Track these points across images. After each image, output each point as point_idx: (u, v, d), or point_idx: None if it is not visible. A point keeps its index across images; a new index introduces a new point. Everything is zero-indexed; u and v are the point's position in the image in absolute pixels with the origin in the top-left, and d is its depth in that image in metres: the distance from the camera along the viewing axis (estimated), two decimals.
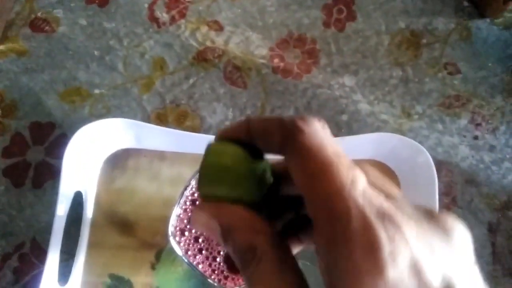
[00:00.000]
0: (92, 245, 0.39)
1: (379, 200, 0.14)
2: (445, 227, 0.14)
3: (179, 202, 0.27)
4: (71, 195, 0.38)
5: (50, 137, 0.43)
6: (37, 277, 0.36)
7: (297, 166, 0.15)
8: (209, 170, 0.17)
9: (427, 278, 0.13)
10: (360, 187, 0.14)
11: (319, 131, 0.15)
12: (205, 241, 0.27)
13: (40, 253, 0.39)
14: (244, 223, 0.16)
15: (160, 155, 0.42)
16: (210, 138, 0.41)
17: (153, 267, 0.39)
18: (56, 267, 0.36)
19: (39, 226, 0.40)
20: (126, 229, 0.39)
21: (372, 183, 0.15)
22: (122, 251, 0.39)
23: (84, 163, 0.39)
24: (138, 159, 0.41)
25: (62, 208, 0.37)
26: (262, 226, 0.16)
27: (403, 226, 0.13)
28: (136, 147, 0.41)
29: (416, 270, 0.13)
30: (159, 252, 0.39)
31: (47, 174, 0.41)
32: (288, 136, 0.16)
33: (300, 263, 0.39)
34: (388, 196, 0.15)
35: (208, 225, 0.17)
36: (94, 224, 0.39)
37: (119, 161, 0.41)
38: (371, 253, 0.13)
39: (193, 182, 0.27)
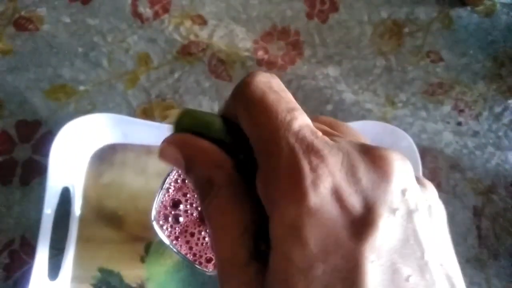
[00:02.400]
0: (82, 240, 0.39)
1: (312, 138, 0.15)
2: (374, 158, 0.15)
3: (162, 188, 0.27)
4: (58, 191, 0.39)
5: (37, 135, 0.43)
6: (27, 273, 0.36)
7: (243, 117, 0.16)
8: (183, 114, 0.18)
9: (348, 202, 0.14)
10: (296, 127, 0.15)
11: (262, 82, 0.16)
12: (187, 226, 0.27)
13: (30, 249, 0.39)
14: (205, 156, 0.17)
15: (147, 149, 0.42)
16: None
17: (142, 259, 0.39)
18: (45, 262, 0.37)
19: (28, 223, 0.40)
20: (115, 223, 0.40)
21: (318, 126, 0.16)
22: (112, 245, 0.39)
23: (70, 159, 0.40)
24: (124, 154, 0.42)
25: (50, 204, 0.38)
26: (222, 160, 0.17)
27: (328, 158, 0.14)
28: (123, 142, 0.42)
29: (338, 196, 0.14)
30: (148, 245, 0.39)
31: (35, 171, 0.42)
32: (237, 93, 0.17)
33: None
34: (328, 134, 0.16)
35: (174, 157, 0.17)
36: (82, 219, 0.40)
37: (105, 156, 0.41)
38: (295, 183, 0.14)
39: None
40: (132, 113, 0.44)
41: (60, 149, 0.38)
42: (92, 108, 0.44)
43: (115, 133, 0.41)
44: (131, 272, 0.39)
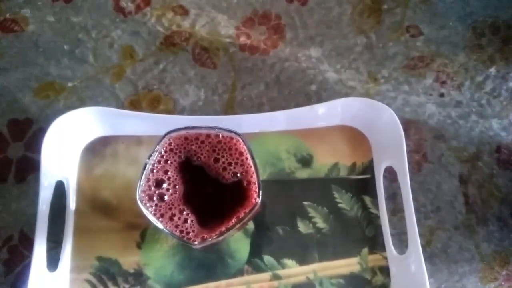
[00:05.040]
0: (78, 231, 0.40)
1: None
2: None
3: (145, 169, 0.28)
4: (52, 185, 0.40)
5: (29, 133, 0.44)
6: (27, 267, 0.37)
7: None
8: None
9: None
10: None
11: None
12: (172, 204, 0.28)
13: (29, 244, 0.40)
14: None
15: (137, 140, 0.43)
16: (184, 119, 0.42)
17: (139, 246, 0.40)
18: (44, 255, 0.38)
19: (26, 218, 0.41)
20: (110, 213, 0.41)
21: None
22: (108, 234, 0.40)
23: (62, 153, 0.41)
24: (115, 146, 0.42)
25: (44, 199, 0.39)
26: None
27: None
28: (112, 134, 0.43)
29: None
30: (144, 232, 0.40)
31: (29, 168, 0.43)
32: None
33: (280, 229, 0.40)
34: None
35: None
36: (78, 211, 0.41)
37: (97, 149, 0.42)
38: None
39: (159, 147, 0.29)
40: (120, 105, 0.45)
41: (51, 145, 0.39)
42: (81, 103, 0.45)
43: (105, 126, 0.42)
44: (128, 258, 0.40)
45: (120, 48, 0.46)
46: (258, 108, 0.45)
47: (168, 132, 0.30)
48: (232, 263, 0.40)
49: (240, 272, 0.39)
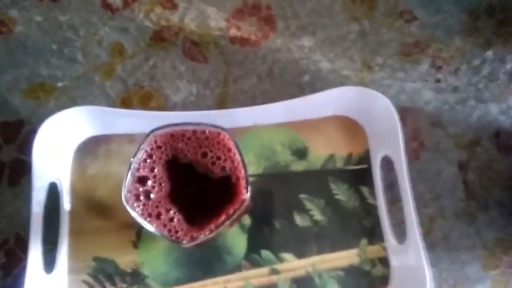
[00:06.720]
0: (74, 232, 0.40)
1: None
2: None
3: (130, 169, 0.28)
4: (46, 187, 0.39)
5: (20, 135, 0.43)
6: (24, 270, 0.37)
7: None
8: None
9: None
10: None
11: None
12: (158, 201, 0.28)
13: (25, 246, 0.40)
14: None
15: (129, 138, 0.42)
16: (176, 115, 0.41)
17: (135, 245, 0.40)
18: (40, 257, 0.38)
19: (21, 221, 0.41)
20: (105, 212, 0.40)
21: None
22: (104, 234, 0.40)
23: (54, 154, 0.40)
24: (108, 145, 0.42)
25: (38, 201, 0.38)
26: None
27: None
28: (104, 133, 0.42)
29: None
30: (140, 231, 0.40)
31: (22, 171, 0.42)
32: None
33: (277, 223, 0.40)
34: None
35: None
36: (72, 212, 0.40)
37: (89, 148, 0.42)
38: None
39: (145, 146, 0.28)
40: (112, 103, 0.44)
41: (42, 146, 0.39)
42: (72, 103, 0.44)
43: (97, 125, 0.42)
44: (125, 258, 0.39)
45: (109, 46, 0.46)
46: (251, 101, 0.44)
47: (153, 130, 0.29)
48: (230, 259, 0.39)
49: (238, 268, 0.39)
